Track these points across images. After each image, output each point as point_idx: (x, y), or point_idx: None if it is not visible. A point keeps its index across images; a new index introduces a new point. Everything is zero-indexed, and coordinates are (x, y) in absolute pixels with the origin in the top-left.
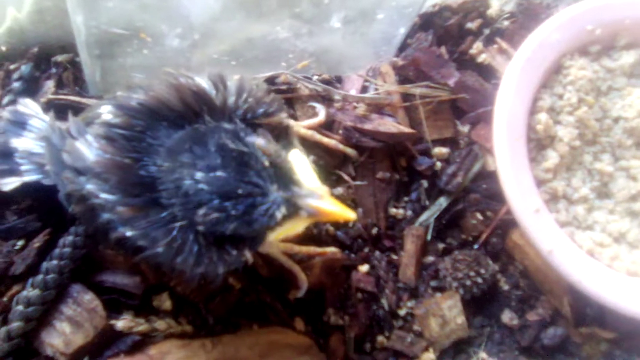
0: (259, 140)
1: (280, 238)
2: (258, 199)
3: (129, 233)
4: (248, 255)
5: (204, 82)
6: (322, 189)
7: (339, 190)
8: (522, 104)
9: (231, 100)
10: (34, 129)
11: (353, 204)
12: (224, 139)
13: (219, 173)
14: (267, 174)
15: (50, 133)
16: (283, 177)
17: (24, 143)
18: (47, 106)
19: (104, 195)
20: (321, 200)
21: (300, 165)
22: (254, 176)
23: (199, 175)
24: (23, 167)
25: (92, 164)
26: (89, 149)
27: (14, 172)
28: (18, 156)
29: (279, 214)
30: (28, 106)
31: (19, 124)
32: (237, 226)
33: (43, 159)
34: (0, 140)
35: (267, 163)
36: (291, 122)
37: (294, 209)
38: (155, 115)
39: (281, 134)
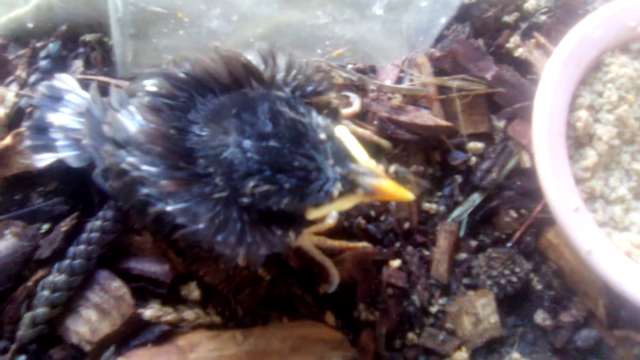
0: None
1: (312, 230)
2: (313, 174)
3: (169, 208)
4: (292, 237)
5: (253, 57)
6: (379, 168)
7: None
8: (562, 100)
9: (280, 76)
10: (70, 104)
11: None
12: (279, 106)
13: (272, 143)
14: (324, 148)
15: (91, 105)
16: (339, 152)
17: (60, 118)
18: None
19: (146, 167)
20: (380, 179)
21: (351, 142)
22: (310, 149)
23: (247, 143)
24: (58, 143)
25: (135, 134)
26: (131, 121)
27: (49, 147)
28: (53, 131)
29: (335, 191)
30: (65, 81)
31: (56, 99)
32: (288, 201)
33: (79, 135)
34: (35, 115)
35: (323, 136)
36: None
37: (350, 187)
38: (201, 87)
39: (330, 115)
